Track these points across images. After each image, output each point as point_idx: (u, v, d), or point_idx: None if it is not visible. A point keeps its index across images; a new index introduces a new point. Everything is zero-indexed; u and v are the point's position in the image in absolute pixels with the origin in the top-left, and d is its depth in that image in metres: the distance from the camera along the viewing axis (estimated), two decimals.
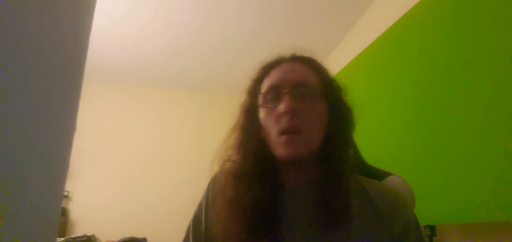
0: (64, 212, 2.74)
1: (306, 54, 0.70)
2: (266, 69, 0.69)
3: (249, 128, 0.66)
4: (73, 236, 2.07)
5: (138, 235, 2.52)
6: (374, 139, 1.60)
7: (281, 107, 0.59)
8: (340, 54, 2.52)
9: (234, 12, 2.20)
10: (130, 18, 2.26)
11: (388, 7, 1.92)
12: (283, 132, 0.59)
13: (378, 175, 0.84)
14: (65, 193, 2.81)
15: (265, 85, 0.66)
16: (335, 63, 2.44)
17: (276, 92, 0.62)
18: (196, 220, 0.71)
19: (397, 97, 1.59)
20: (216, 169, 0.73)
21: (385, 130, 1.61)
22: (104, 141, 3.07)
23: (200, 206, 0.72)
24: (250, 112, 0.67)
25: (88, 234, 2.08)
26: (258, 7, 2.15)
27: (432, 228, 1.28)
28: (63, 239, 1.93)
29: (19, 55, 0.29)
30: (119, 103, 3.23)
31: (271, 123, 0.62)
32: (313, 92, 0.62)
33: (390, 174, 0.86)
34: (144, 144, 3.16)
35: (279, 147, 0.61)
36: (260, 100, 0.65)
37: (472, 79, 1.15)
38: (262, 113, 0.64)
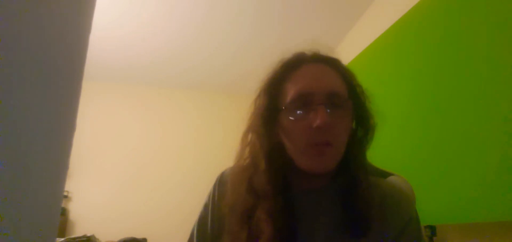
0: (64, 212, 2.74)
1: (327, 51, 0.65)
2: (287, 68, 0.63)
3: (268, 131, 0.61)
4: (73, 236, 2.07)
5: (138, 235, 2.52)
6: (374, 139, 1.60)
7: (316, 120, 0.55)
8: (338, 55, 2.52)
9: (233, 11, 2.20)
10: (129, 18, 2.26)
11: (385, 9, 1.93)
12: (314, 144, 0.56)
13: (379, 174, 0.84)
14: (65, 193, 2.81)
15: (290, 90, 0.60)
16: None
17: (306, 101, 0.57)
18: (201, 221, 0.69)
19: (397, 97, 1.59)
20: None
21: (385, 130, 1.61)
22: (104, 141, 3.06)
23: (206, 206, 0.70)
24: (267, 114, 0.62)
25: (88, 234, 2.08)
26: (257, 7, 2.15)
27: (432, 228, 1.28)
28: (63, 239, 1.93)
29: (19, 55, 0.29)
30: (119, 103, 3.23)
31: (298, 132, 0.58)
32: (344, 102, 0.58)
33: (390, 174, 0.86)
34: (143, 143, 3.16)
35: (307, 158, 0.57)
36: (286, 106, 0.59)
37: (472, 78, 1.15)
38: (286, 120, 0.59)
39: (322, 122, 0.54)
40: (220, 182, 0.70)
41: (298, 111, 0.58)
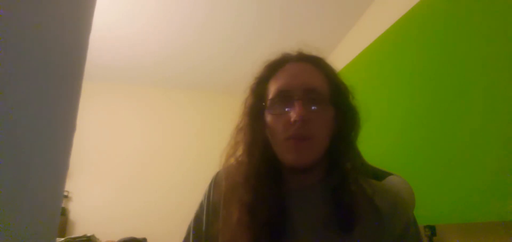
0: (64, 212, 2.74)
1: (313, 52, 0.67)
2: (272, 68, 0.66)
3: (254, 129, 0.64)
4: (73, 236, 2.07)
5: (138, 235, 2.52)
6: (374, 139, 1.60)
7: (292, 115, 0.57)
8: (339, 55, 2.52)
9: (233, 12, 2.20)
10: (129, 19, 2.26)
11: (385, 9, 1.93)
12: (291, 137, 0.58)
13: (378, 175, 0.84)
14: (65, 193, 2.81)
15: (272, 88, 0.63)
16: (334, 64, 2.44)
17: (285, 97, 0.60)
18: (197, 219, 0.70)
19: (397, 97, 1.59)
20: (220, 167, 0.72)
21: (385, 130, 1.61)
22: (104, 141, 3.06)
23: (201, 205, 0.71)
24: (254, 112, 0.65)
25: (88, 234, 2.09)
26: (257, 7, 2.15)
27: (432, 228, 1.28)
28: (63, 239, 1.93)
29: (19, 55, 0.29)
30: (119, 103, 3.23)
31: (278, 128, 0.60)
32: (322, 98, 0.60)
33: (390, 174, 0.86)
34: (144, 144, 3.16)
35: (286, 152, 0.59)
36: (267, 104, 0.62)
37: (473, 79, 1.15)
38: (268, 117, 0.62)
39: (298, 116, 0.56)
40: (216, 181, 0.71)
41: (279, 108, 0.60)
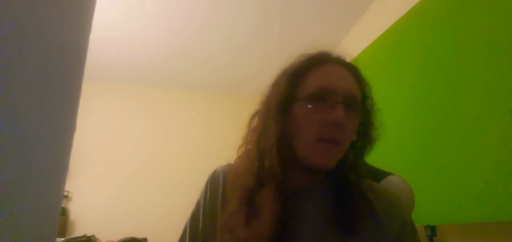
0: (64, 212, 2.74)
1: (348, 59, 0.68)
2: (311, 62, 0.64)
3: (281, 118, 0.60)
4: (73, 236, 2.07)
5: (138, 235, 2.52)
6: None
7: (334, 116, 0.56)
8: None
9: (233, 12, 2.20)
10: (129, 18, 2.26)
11: (385, 10, 1.93)
12: (323, 139, 0.57)
13: (378, 174, 0.84)
14: (65, 193, 2.81)
15: (312, 82, 0.60)
16: None
17: (326, 96, 0.58)
18: (193, 218, 0.70)
19: (397, 96, 1.59)
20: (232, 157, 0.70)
21: (385, 130, 1.61)
22: (104, 141, 3.06)
23: (198, 204, 0.71)
24: (284, 102, 0.61)
25: (88, 234, 2.08)
26: (257, 7, 2.15)
27: (432, 228, 1.28)
28: (63, 239, 1.93)
29: (19, 55, 0.29)
30: (119, 103, 3.23)
31: (311, 124, 0.58)
32: (358, 108, 0.60)
33: (390, 174, 0.86)
34: (144, 143, 3.16)
35: (315, 152, 0.58)
36: (306, 96, 0.60)
37: (474, 77, 1.15)
38: (302, 111, 0.60)
39: (340, 119, 0.56)
40: (212, 180, 0.71)
41: (317, 104, 0.59)
